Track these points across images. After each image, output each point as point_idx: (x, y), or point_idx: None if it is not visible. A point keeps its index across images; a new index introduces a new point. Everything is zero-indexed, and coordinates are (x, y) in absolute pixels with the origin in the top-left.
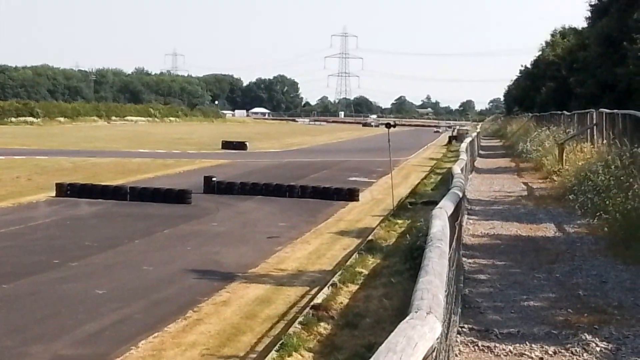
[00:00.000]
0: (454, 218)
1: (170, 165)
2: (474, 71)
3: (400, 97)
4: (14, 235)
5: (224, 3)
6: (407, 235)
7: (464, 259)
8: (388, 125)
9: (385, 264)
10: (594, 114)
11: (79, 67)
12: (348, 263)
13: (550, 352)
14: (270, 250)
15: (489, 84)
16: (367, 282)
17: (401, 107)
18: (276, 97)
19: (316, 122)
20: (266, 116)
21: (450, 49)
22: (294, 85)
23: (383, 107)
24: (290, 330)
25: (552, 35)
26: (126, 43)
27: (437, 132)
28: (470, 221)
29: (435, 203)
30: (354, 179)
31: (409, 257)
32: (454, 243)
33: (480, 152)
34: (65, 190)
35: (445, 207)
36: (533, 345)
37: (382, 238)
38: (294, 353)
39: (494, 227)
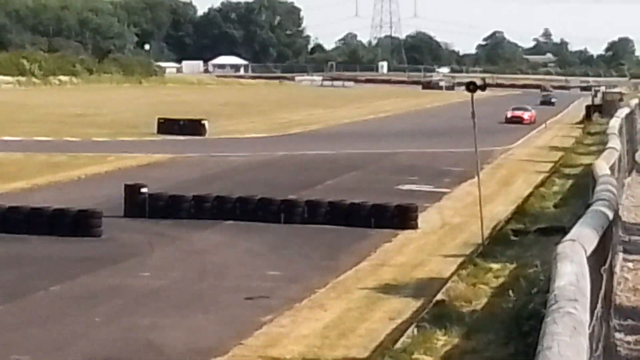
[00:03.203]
0: (599, 260)
1: (61, 164)
2: None
3: (495, 33)
4: None
5: None
6: (510, 293)
7: (618, 336)
8: (472, 87)
9: (470, 346)
10: None
11: None
12: (398, 346)
13: None
14: (252, 323)
15: None
16: None
17: (496, 52)
18: (259, 36)
19: (335, 83)
20: (241, 71)
21: None
22: (292, 13)
23: (462, 53)
24: None
25: None
26: None
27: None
28: (630, 265)
29: (564, 232)
30: (407, 187)
31: (515, 334)
32: (598, 306)
33: None
34: None
35: (581, 240)
36: None
37: (462, 298)
38: None
39: None
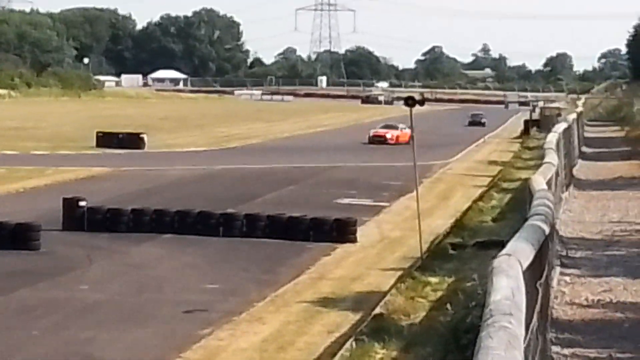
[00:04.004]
0: (535, 274)
1: None
2: (570, 2)
3: (433, 48)
4: None
5: None
6: (448, 307)
7: (555, 349)
8: (410, 102)
9: None
10: None
11: None
12: None
13: None
14: (190, 336)
15: (600, 25)
16: None
17: (435, 67)
18: (198, 50)
19: (275, 97)
20: (181, 85)
21: None
22: (231, 28)
23: (401, 68)
24: None
25: None
26: None
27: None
28: (567, 279)
29: (502, 246)
30: (347, 201)
31: (453, 347)
32: (534, 320)
33: (584, 149)
34: None
35: (517, 254)
36: None
37: (400, 311)
38: None
39: (612, 290)
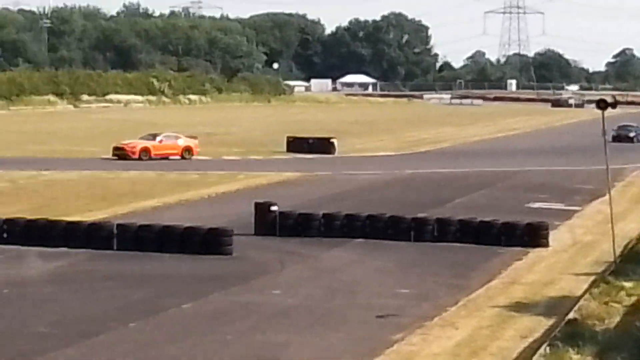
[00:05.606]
0: None
1: (191, 183)
2: None
3: (624, 50)
4: None
5: None
6: None
7: None
8: (602, 105)
9: None
10: None
11: (20, 5)
12: None
13: None
14: (383, 341)
15: None
16: None
17: (626, 69)
18: (387, 54)
19: (464, 101)
20: (370, 90)
21: None
22: (420, 32)
23: (591, 71)
24: None
25: None
26: None
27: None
28: None
29: None
30: (537, 205)
31: None
32: None
33: None
34: (0, 232)
35: None
36: None
37: (594, 317)
38: None
39: None
